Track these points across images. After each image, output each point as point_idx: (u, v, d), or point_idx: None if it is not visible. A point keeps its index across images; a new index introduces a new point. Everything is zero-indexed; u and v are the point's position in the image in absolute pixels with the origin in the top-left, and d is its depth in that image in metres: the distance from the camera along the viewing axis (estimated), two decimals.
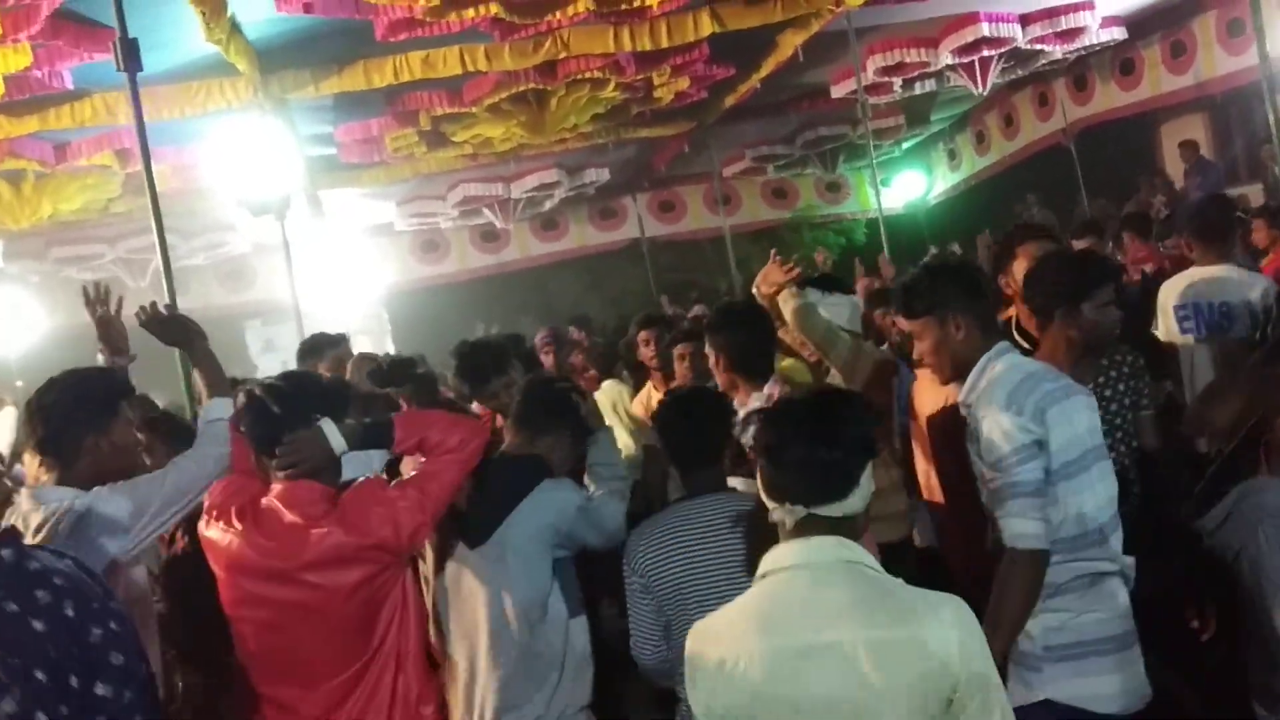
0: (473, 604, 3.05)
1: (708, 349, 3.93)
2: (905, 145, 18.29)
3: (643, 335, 5.58)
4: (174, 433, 4.35)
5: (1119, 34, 12.60)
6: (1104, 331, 3.39)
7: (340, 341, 5.37)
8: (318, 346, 5.33)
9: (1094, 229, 6.47)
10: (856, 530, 2.08)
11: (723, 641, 2.04)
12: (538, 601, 3.00)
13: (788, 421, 2.11)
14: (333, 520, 2.72)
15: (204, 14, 7.46)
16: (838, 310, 4.27)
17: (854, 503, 2.06)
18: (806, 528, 2.06)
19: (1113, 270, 3.59)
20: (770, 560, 2.08)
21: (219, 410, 3.12)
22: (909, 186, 19.05)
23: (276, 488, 2.83)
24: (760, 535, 2.26)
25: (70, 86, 8.66)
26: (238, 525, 2.79)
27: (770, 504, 2.11)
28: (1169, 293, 4.76)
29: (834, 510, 2.05)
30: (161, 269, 6.01)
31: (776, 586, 2.05)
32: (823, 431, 2.06)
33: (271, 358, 15.61)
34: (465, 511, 3.07)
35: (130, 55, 5.93)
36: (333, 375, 4.87)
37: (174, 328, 3.42)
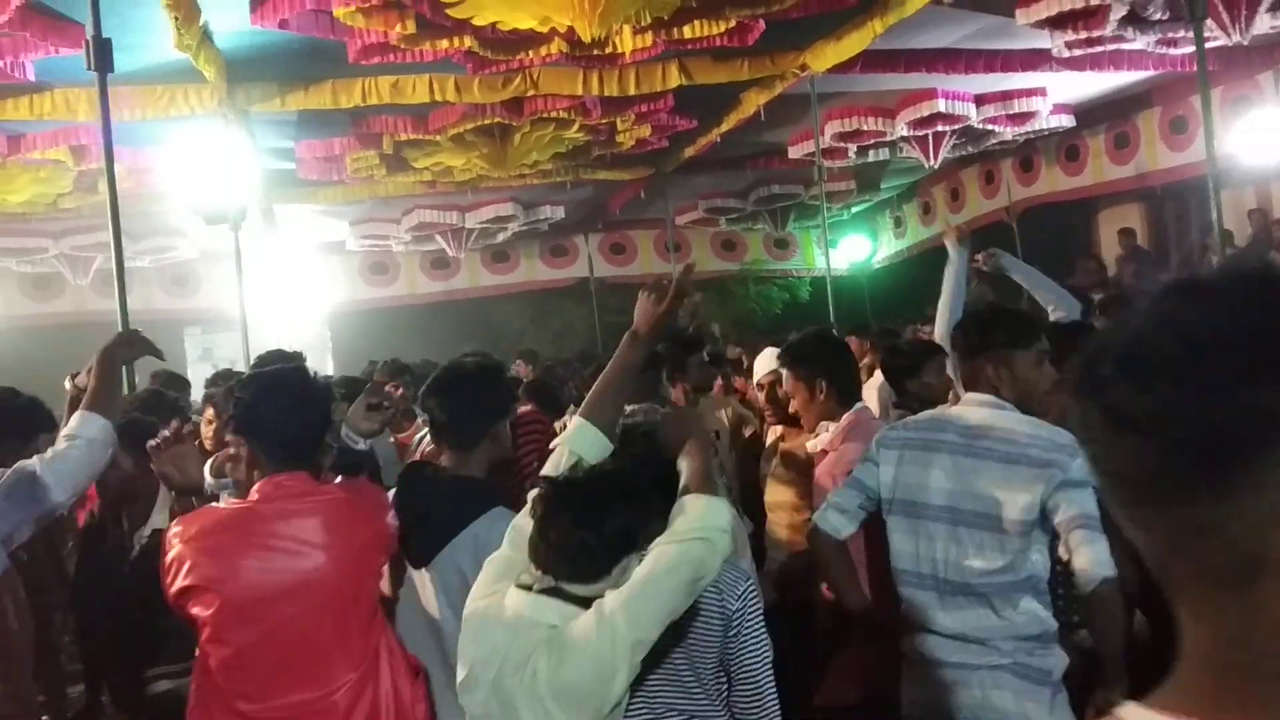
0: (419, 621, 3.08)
1: (793, 380, 3.84)
2: (854, 209, 18.67)
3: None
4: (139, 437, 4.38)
5: (1067, 121, 13.07)
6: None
7: (296, 359, 5.35)
8: (273, 363, 5.32)
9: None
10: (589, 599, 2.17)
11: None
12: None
13: (559, 501, 2.21)
14: None
15: (176, 19, 7.47)
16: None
17: (600, 588, 2.15)
18: (549, 591, 2.18)
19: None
20: (510, 600, 2.21)
21: (96, 428, 3.11)
22: (854, 249, 19.44)
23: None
24: None
25: (32, 78, 8.59)
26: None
27: (530, 564, 2.23)
28: None
29: (578, 590, 2.16)
30: (114, 269, 6.00)
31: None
32: (587, 517, 2.16)
33: (207, 366, 15.41)
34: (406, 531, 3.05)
35: (102, 55, 5.96)
36: None
37: (140, 349, 3.46)
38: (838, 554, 3.10)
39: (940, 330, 4.38)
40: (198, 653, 2.81)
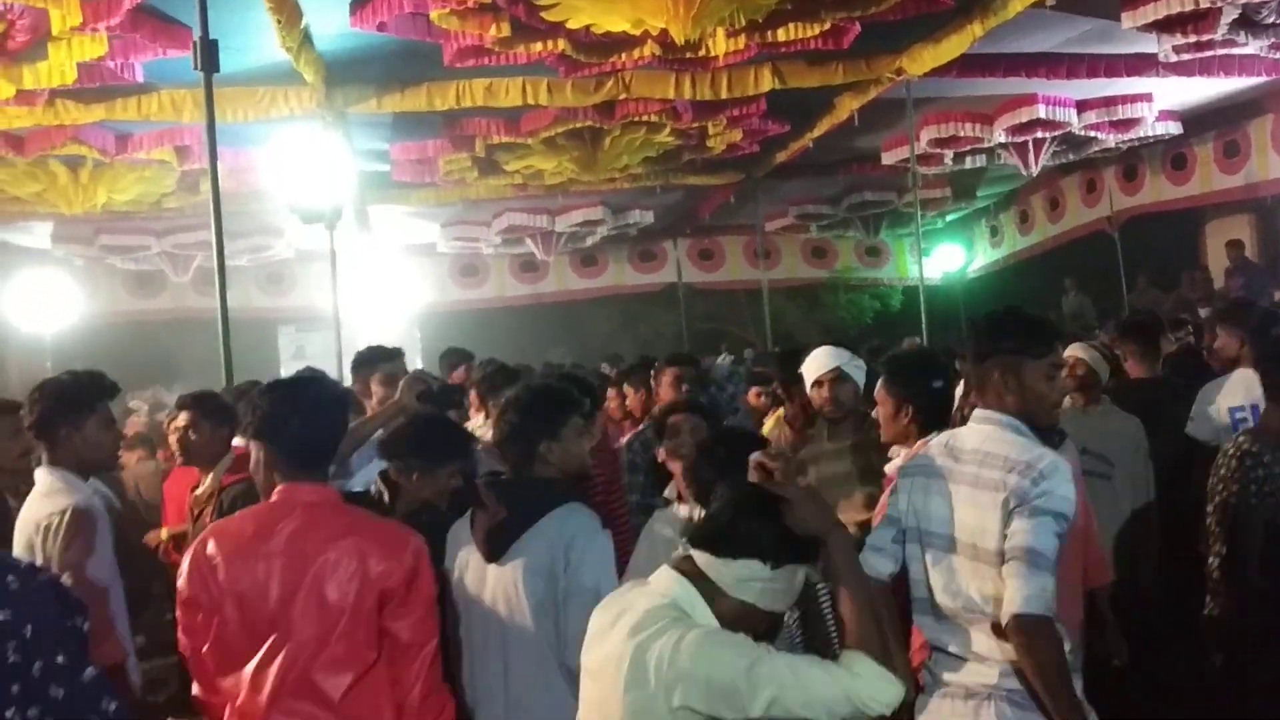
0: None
1: (885, 391, 3.73)
2: (949, 217, 18.35)
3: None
4: (217, 412, 4.51)
5: (1174, 128, 12.66)
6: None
7: (395, 356, 5.38)
8: (372, 359, 5.35)
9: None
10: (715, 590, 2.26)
11: None
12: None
13: (738, 490, 2.42)
14: None
15: (280, 22, 7.62)
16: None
17: (719, 567, 2.25)
18: (680, 561, 2.33)
19: None
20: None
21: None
22: (948, 258, 19.09)
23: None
24: None
25: (140, 79, 8.84)
26: None
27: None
28: (1224, 394, 4.77)
29: (702, 558, 2.27)
30: (216, 268, 6.11)
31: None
32: (749, 509, 2.33)
33: (300, 364, 15.71)
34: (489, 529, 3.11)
35: (209, 56, 6.09)
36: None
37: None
38: (883, 596, 3.00)
39: None
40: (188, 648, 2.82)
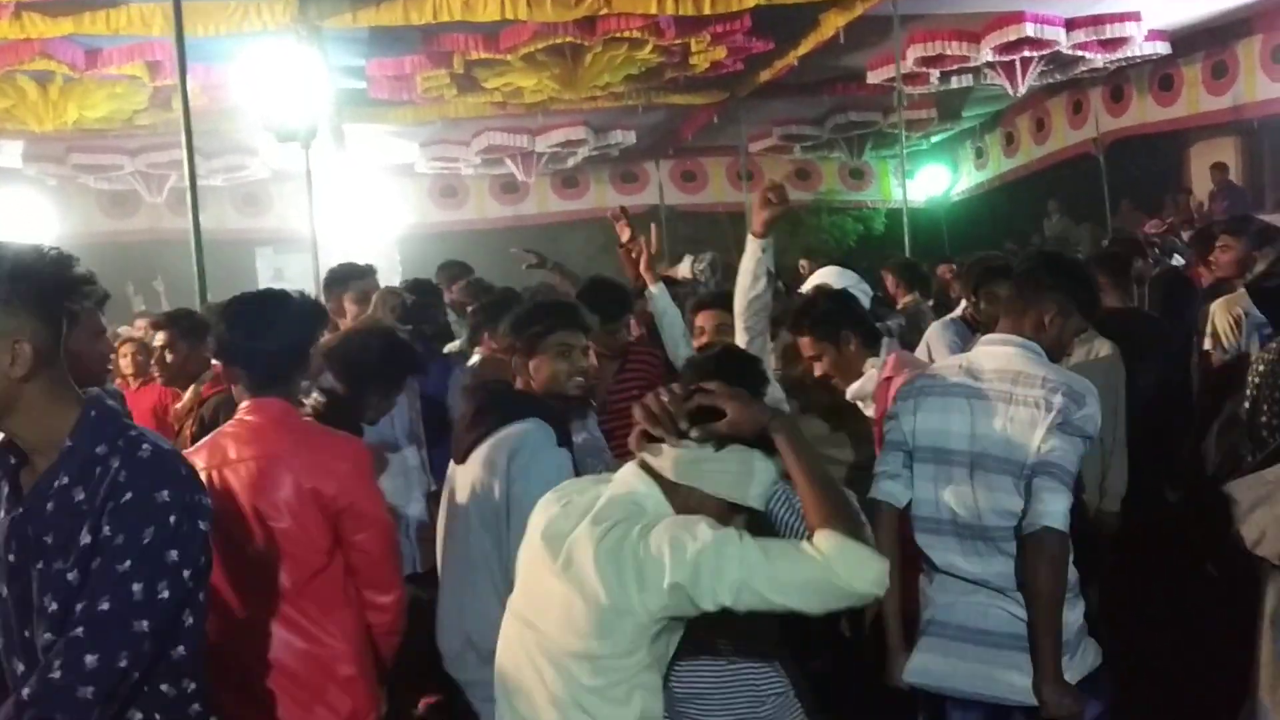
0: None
1: (815, 342, 3.63)
2: (934, 139, 18.21)
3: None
4: (193, 330, 4.45)
5: (1162, 48, 12.52)
6: None
7: (368, 274, 5.32)
8: (344, 277, 5.30)
9: None
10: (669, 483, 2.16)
11: None
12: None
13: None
14: None
15: None
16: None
17: (676, 453, 2.13)
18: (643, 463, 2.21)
19: None
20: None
21: None
22: (932, 180, 18.97)
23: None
24: None
25: None
26: None
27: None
28: (1237, 307, 4.78)
29: (654, 457, 2.16)
30: (187, 187, 5.99)
31: None
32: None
33: (280, 287, 15.59)
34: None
35: None
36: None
37: None
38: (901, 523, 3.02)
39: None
40: None
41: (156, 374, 4.94)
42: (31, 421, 1.84)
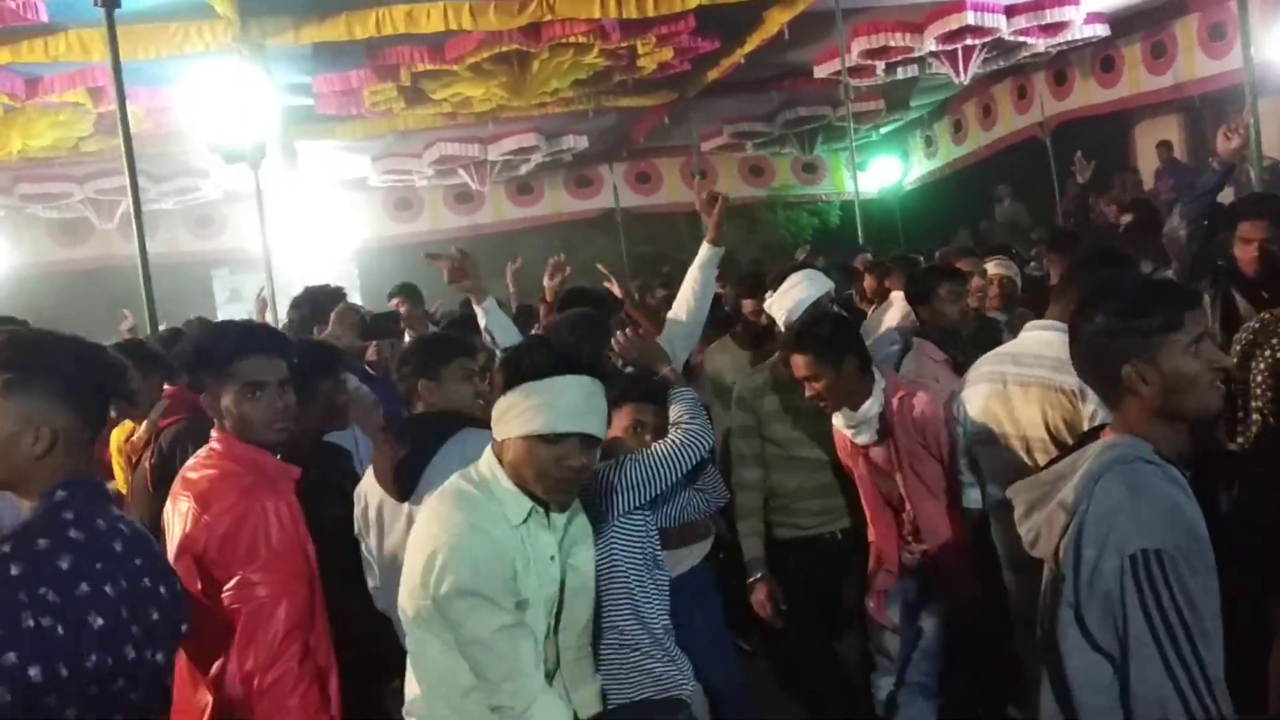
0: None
1: (817, 364, 3.65)
2: (883, 130, 18.34)
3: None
4: (145, 360, 4.39)
5: (1101, 31, 12.69)
6: None
7: (337, 296, 5.21)
8: (314, 298, 5.16)
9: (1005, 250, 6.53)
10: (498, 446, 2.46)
11: None
12: None
13: None
14: None
15: None
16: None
17: (492, 414, 2.45)
18: None
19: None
20: None
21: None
22: (885, 171, 19.12)
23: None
24: None
25: (45, 20, 8.51)
26: None
27: None
28: None
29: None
30: (131, 212, 5.94)
31: None
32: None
33: (238, 307, 15.46)
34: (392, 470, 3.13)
35: None
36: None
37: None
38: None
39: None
40: None
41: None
42: (35, 495, 1.95)
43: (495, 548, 2.28)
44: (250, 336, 2.87)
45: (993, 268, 5.59)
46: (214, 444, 2.84)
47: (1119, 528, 1.91)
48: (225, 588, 2.60)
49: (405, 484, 3.09)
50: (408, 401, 3.34)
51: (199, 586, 2.62)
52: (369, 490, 3.27)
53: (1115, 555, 1.90)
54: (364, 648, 3.15)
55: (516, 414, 2.32)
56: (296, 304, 5.25)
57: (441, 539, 2.27)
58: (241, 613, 2.59)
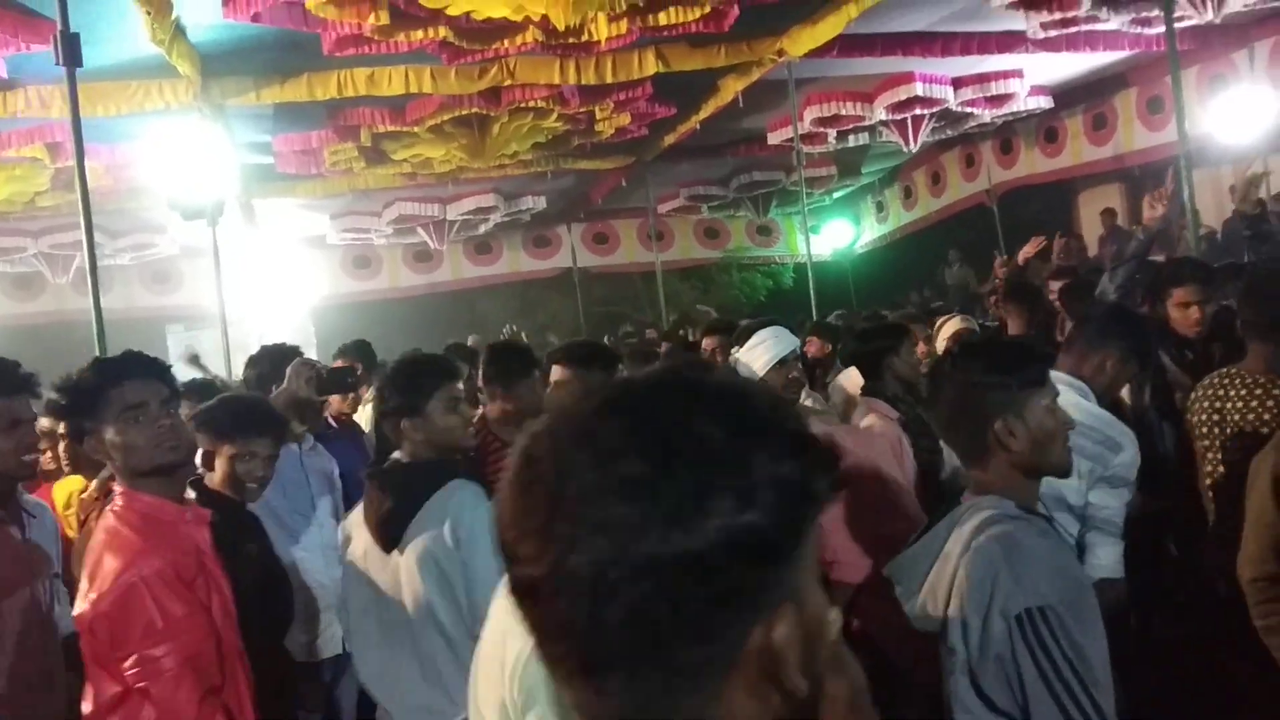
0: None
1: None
2: (836, 195, 18.70)
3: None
4: None
5: (1045, 103, 13.10)
6: None
7: (293, 354, 5.24)
8: (272, 357, 5.18)
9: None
10: None
11: None
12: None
13: None
14: None
15: (149, 13, 7.44)
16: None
17: None
18: None
19: None
20: None
21: None
22: (837, 235, 19.49)
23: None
24: None
25: (4, 76, 8.54)
26: None
27: None
28: None
29: None
30: (87, 267, 5.96)
31: None
32: None
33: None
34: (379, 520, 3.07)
35: (71, 50, 5.92)
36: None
37: None
38: None
39: None
40: None
41: (64, 463, 4.72)
42: None
43: None
44: (122, 363, 2.75)
45: (957, 323, 5.70)
46: (115, 498, 2.72)
47: (1000, 590, 1.93)
48: (125, 668, 2.45)
49: (390, 535, 3.03)
50: (396, 442, 3.16)
51: (103, 663, 2.49)
52: (356, 529, 3.21)
53: (1001, 618, 1.92)
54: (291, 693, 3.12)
55: None
56: (253, 362, 5.27)
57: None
58: (150, 691, 2.44)
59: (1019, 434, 2.08)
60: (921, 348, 5.48)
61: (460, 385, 3.19)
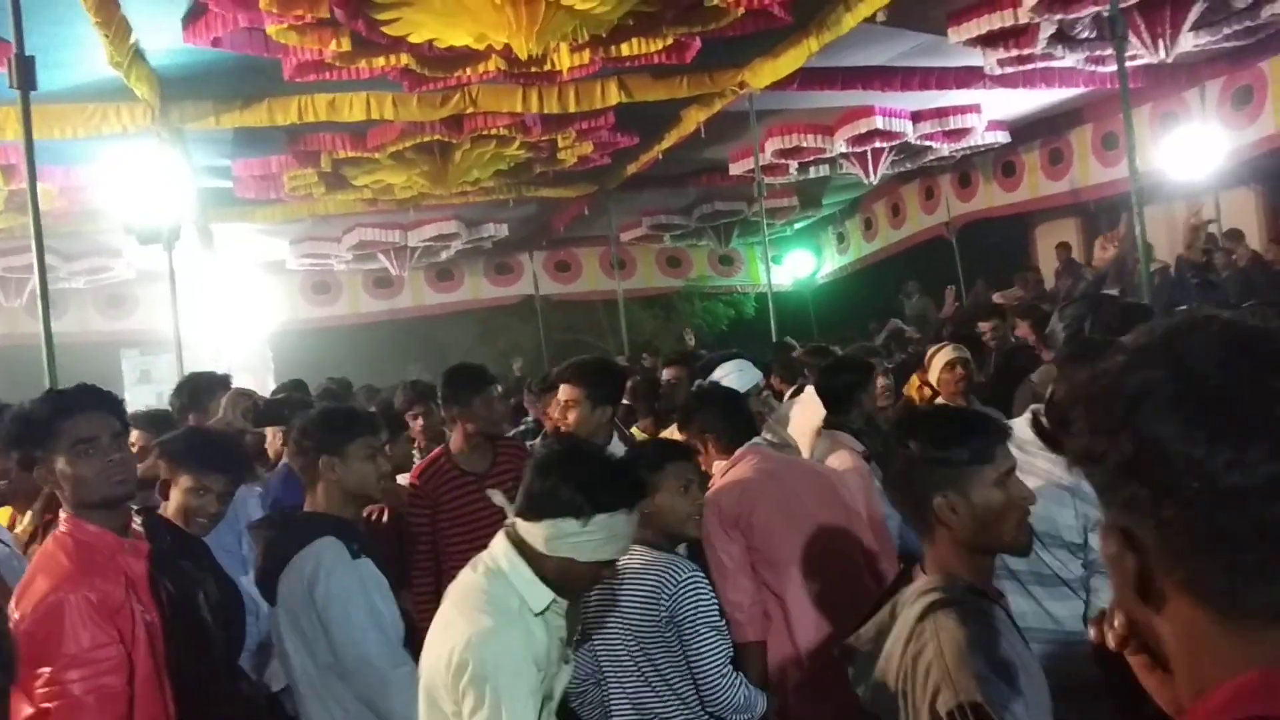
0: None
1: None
2: (797, 225, 18.83)
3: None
4: None
5: (1002, 137, 13.30)
6: None
7: (224, 382, 5.21)
8: (201, 384, 5.15)
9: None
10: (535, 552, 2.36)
11: None
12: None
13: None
14: None
15: (108, 37, 7.37)
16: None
17: (543, 532, 2.33)
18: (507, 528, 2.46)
19: None
20: None
21: None
22: (798, 265, 19.61)
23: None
24: None
25: None
26: None
27: None
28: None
29: (521, 529, 2.37)
30: (38, 290, 5.87)
31: None
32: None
33: (147, 389, 15.17)
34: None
35: (25, 73, 5.85)
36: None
37: None
38: None
39: None
40: None
41: None
42: None
43: (529, 641, 2.31)
44: (74, 396, 2.76)
45: (949, 352, 5.65)
46: (61, 523, 2.74)
47: (934, 683, 1.87)
48: (36, 687, 2.47)
49: (266, 589, 3.05)
50: (307, 478, 3.15)
51: (22, 683, 2.48)
52: None
53: (931, 716, 1.86)
54: None
55: (589, 544, 2.31)
56: (176, 390, 5.21)
57: (473, 641, 2.26)
58: (52, 713, 2.47)
59: (960, 511, 2.01)
60: (881, 382, 5.50)
61: (383, 440, 3.26)
